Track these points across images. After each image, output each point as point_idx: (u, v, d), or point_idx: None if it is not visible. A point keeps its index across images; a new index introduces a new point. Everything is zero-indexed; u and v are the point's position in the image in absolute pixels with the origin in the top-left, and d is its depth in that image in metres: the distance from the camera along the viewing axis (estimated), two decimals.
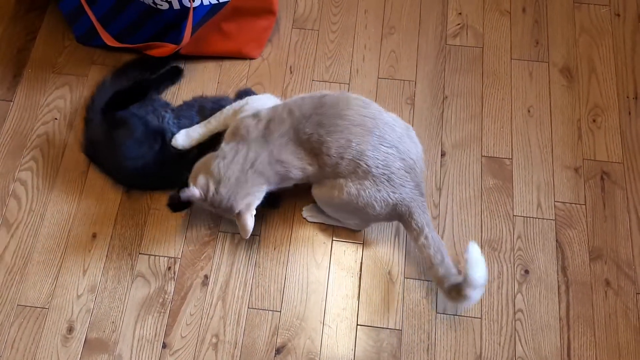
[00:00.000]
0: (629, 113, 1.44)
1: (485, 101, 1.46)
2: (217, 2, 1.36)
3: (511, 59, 1.51)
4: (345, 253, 1.29)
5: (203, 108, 1.31)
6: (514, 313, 1.23)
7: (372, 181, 1.10)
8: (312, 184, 1.18)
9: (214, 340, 1.21)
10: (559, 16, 1.56)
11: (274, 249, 1.29)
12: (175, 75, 1.45)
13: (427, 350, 1.20)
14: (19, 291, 1.25)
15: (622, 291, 1.25)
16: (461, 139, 1.41)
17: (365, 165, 1.08)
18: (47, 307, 1.24)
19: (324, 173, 1.12)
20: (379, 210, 1.12)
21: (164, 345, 1.21)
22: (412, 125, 1.42)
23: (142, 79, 1.39)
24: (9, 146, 1.39)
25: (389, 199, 1.11)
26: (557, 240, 1.30)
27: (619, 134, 1.42)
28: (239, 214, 1.12)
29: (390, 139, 1.10)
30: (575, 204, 1.34)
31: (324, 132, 1.09)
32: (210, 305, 1.24)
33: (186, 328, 1.22)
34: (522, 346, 1.21)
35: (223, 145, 1.14)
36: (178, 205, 1.24)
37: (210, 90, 1.46)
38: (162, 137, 1.27)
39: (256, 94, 1.37)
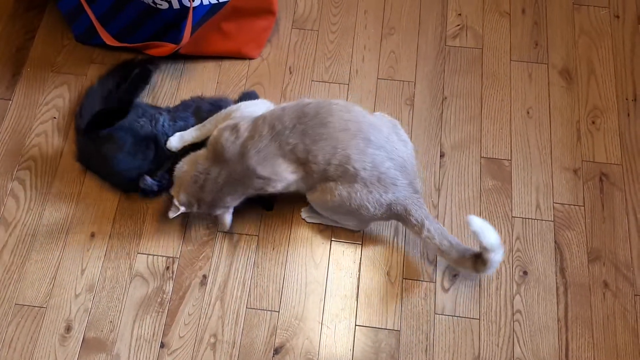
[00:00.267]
0: (628, 115, 1.44)
1: (485, 102, 1.46)
2: (216, 1, 1.36)
3: (510, 60, 1.51)
4: (344, 253, 1.29)
5: (199, 109, 1.30)
6: (513, 314, 1.23)
7: (362, 183, 1.11)
8: (303, 192, 1.19)
9: (212, 340, 1.21)
10: (558, 18, 1.56)
11: (273, 249, 1.29)
12: (145, 77, 1.37)
13: (426, 350, 1.20)
14: (17, 290, 1.24)
15: (621, 293, 1.25)
16: (460, 140, 1.41)
17: (352, 169, 1.10)
18: (45, 306, 1.23)
19: (313, 179, 1.14)
20: (374, 211, 1.13)
21: (162, 345, 1.20)
22: (412, 126, 1.42)
23: (118, 97, 1.34)
24: (8, 145, 1.39)
25: (382, 200, 1.12)
26: (555, 242, 1.30)
27: (617, 135, 1.42)
28: (217, 215, 1.21)
29: (375, 140, 1.11)
30: (574, 205, 1.34)
31: (309, 141, 1.10)
32: (209, 305, 1.24)
33: (184, 328, 1.22)
34: (520, 347, 1.21)
35: (201, 162, 1.16)
36: (149, 193, 1.24)
37: (209, 90, 1.46)
38: (156, 142, 1.26)
39: (258, 97, 1.36)
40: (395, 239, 1.30)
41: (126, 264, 1.27)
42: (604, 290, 1.26)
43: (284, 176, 1.13)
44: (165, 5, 1.35)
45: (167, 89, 1.46)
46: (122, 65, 1.43)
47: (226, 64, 1.50)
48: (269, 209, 1.31)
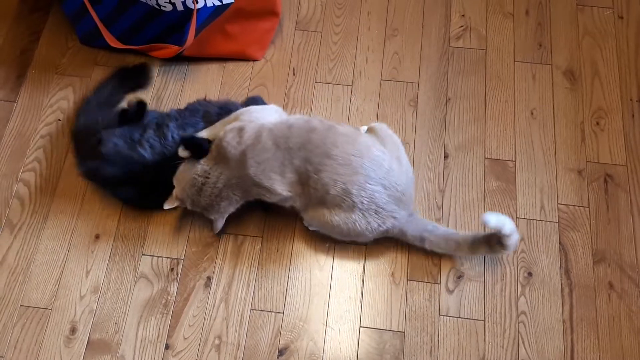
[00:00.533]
0: (633, 116, 1.44)
1: (489, 103, 1.46)
2: (220, 3, 1.36)
3: (514, 61, 1.51)
4: (348, 255, 1.29)
5: (208, 113, 1.28)
6: (517, 315, 1.23)
7: (360, 214, 1.15)
8: (298, 209, 1.21)
9: (216, 341, 1.21)
10: (562, 19, 1.56)
11: (277, 250, 1.29)
12: (140, 114, 1.28)
13: (430, 352, 1.20)
14: (22, 292, 1.25)
15: (626, 294, 1.25)
16: (464, 141, 1.41)
17: (351, 201, 1.13)
18: (50, 308, 1.24)
19: (310, 201, 1.16)
20: (371, 235, 1.20)
21: (167, 347, 1.21)
22: (415, 127, 1.42)
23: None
24: (13, 147, 1.39)
25: (379, 228, 1.18)
26: (560, 243, 1.30)
27: (622, 136, 1.41)
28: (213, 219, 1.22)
29: (375, 176, 1.13)
30: (579, 206, 1.34)
31: (311, 169, 1.12)
32: (213, 306, 1.24)
33: (189, 329, 1.22)
34: (525, 349, 1.21)
35: (203, 162, 1.17)
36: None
37: (213, 91, 1.46)
38: (156, 168, 1.22)
39: (264, 102, 1.36)
40: (399, 241, 1.29)
41: (131, 265, 1.27)
42: (609, 291, 1.26)
43: (278, 192, 1.15)
44: (169, 7, 1.35)
45: (171, 90, 1.46)
46: (118, 72, 1.42)
47: (230, 65, 1.50)
48: (267, 209, 1.31)
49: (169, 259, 1.28)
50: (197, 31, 1.37)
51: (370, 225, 1.16)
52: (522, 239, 1.30)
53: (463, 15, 1.57)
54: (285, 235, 1.30)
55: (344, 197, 1.13)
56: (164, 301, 1.24)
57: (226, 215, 1.22)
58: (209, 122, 1.26)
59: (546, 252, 1.29)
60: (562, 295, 1.25)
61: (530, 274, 1.27)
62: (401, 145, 1.25)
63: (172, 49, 1.41)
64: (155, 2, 1.34)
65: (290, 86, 1.48)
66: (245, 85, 1.47)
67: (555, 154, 1.39)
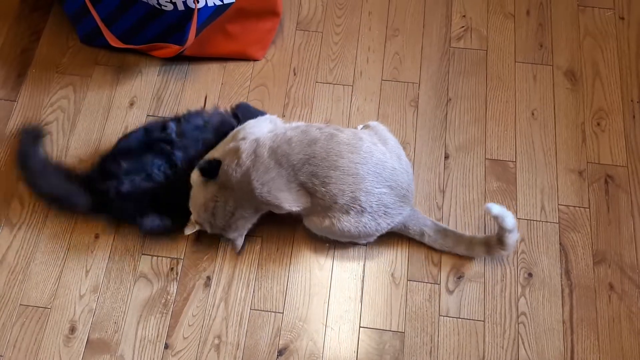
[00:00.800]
0: (633, 117, 1.44)
1: (489, 104, 1.45)
2: (221, 3, 1.36)
3: (515, 61, 1.51)
4: (348, 255, 1.29)
5: (209, 124, 1.27)
6: (517, 316, 1.23)
7: (370, 217, 1.16)
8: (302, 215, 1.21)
9: (216, 341, 1.21)
10: (563, 19, 1.56)
11: (277, 250, 1.29)
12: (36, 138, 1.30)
13: (430, 352, 1.20)
14: (22, 291, 1.25)
15: (626, 295, 1.25)
16: (465, 142, 1.41)
17: (359, 207, 1.14)
18: (49, 307, 1.23)
19: (317, 209, 1.16)
20: (379, 234, 1.21)
21: (166, 346, 1.20)
22: (416, 128, 1.42)
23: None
24: (13, 146, 1.39)
25: (388, 227, 1.20)
26: (560, 244, 1.30)
27: (623, 137, 1.41)
28: (230, 239, 1.23)
29: (382, 179, 1.14)
30: (579, 207, 1.34)
31: (318, 183, 1.12)
32: (213, 306, 1.24)
33: (188, 329, 1.22)
34: (525, 349, 1.20)
35: (210, 187, 1.15)
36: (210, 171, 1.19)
37: (214, 91, 1.46)
38: (169, 191, 1.22)
39: (251, 108, 1.35)
40: (400, 241, 1.29)
41: (130, 265, 1.27)
42: (609, 292, 1.25)
43: (287, 208, 1.15)
44: (170, 7, 1.35)
45: (172, 90, 1.46)
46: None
47: (230, 65, 1.50)
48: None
49: (168, 259, 1.28)
50: (198, 31, 1.37)
51: (380, 225, 1.18)
52: (522, 240, 1.30)
53: (464, 16, 1.57)
54: (285, 235, 1.30)
55: (353, 204, 1.13)
56: (163, 301, 1.24)
57: (244, 233, 1.22)
58: (214, 132, 1.25)
59: (546, 253, 1.29)
60: (562, 296, 1.25)
61: (530, 274, 1.27)
62: (399, 144, 1.25)
63: (172, 49, 1.41)
64: (156, 2, 1.34)
65: (291, 86, 1.48)
66: (246, 85, 1.47)
67: (555, 154, 1.39)
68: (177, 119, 1.28)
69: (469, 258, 1.27)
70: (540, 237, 1.30)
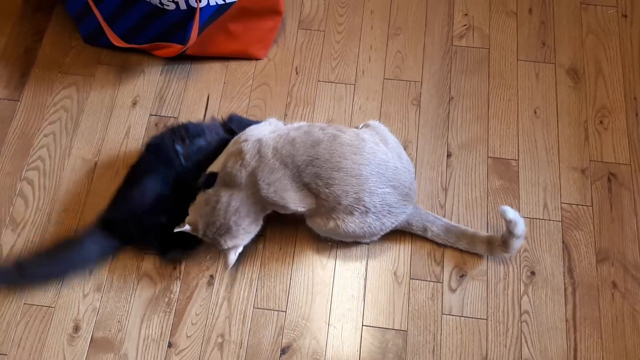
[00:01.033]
0: (636, 114, 1.43)
1: (492, 102, 1.45)
2: (223, 2, 1.37)
3: (517, 60, 1.50)
4: (351, 254, 1.29)
5: (215, 133, 1.27)
6: (520, 315, 1.23)
7: (374, 217, 1.16)
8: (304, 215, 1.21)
9: (219, 340, 1.21)
10: (565, 17, 1.56)
11: (279, 249, 1.29)
12: None
13: (433, 351, 1.20)
14: (26, 290, 1.25)
15: (629, 293, 1.25)
16: (467, 140, 1.41)
17: (363, 207, 1.14)
18: (53, 306, 1.24)
19: (320, 210, 1.16)
20: (383, 233, 1.22)
21: (170, 345, 1.21)
22: (418, 126, 1.42)
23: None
24: (16, 145, 1.40)
25: (393, 225, 1.21)
26: (563, 242, 1.30)
27: (626, 135, 1.41)
28: (223, 251, 1.18)
29: (385, 179, 1.15)
30: (582, 205, 1.33)
31: (321, 184, 1.12)
32: (216, 305, 1.24)
33: (192, 328, 1.22)
34: (528, 348, 1.20)
35: (214, 189, 1.15)
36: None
37: (216, 90, 1.46)
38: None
39: (243, 118, 1.35)
40: (402, 239, 1.29)
41: (134, 264, 1.28)
42: (612, 290, 1.25)
43: (292, 209, 1.15)
44: (172, 6, 1.35)
45: (174, 89, 1.47)
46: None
47: (233, 64, 1.50)
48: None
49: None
50: (200, 30, 1.37)
51: (384, 225, 1.18)
52: (525, 238, 1.30)
53: (466, 14, 1.56)
54: (287, 233, 1.31)
55: (357, 205, 1.14)
56: (166, 300, 1.24)
57: (241, 246, 1.18)
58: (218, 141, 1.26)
59: (549, 251, 1.29)
60: (565, 295, 1.25)
61: (533, 273, 1.27)
62: (401, 145, 1.26)
63: (175, 48, 1.41)
64: (159, 1, 1.34)
65: (293, 85, 1.48)
66: (248, 84, 1.47)
67: (558, 152, 1.39)
68: (181, 138, 1.25)
69: (472, 256, 1.27)
70: (543, 235, 1.30)
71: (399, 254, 1.29)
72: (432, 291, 1.25)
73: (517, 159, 1.39)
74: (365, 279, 1.27)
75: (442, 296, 1.25)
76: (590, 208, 1.33)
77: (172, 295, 1.25)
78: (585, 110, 1.44)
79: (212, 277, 1.27)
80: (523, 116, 1.43)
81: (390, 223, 1.19)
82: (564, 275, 1.27)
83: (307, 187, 1.13)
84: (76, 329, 1.22)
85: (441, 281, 1.26)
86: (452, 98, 1.46)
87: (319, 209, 1.16)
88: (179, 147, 1.23)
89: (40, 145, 1.40)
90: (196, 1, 1.32)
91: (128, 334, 1.22)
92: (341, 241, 1.27)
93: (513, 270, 1.27)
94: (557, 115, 1.43)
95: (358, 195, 1.13)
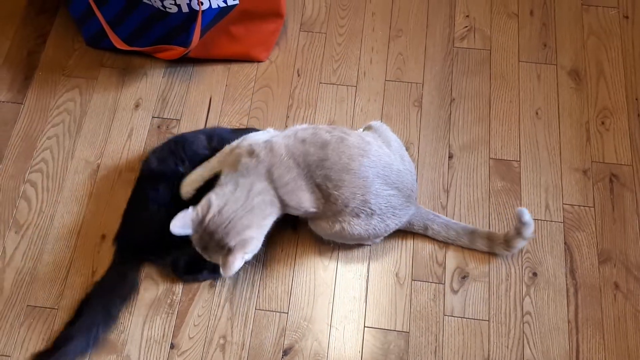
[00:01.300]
0: (638, 115, 1.43)
1: (493, 103, 1.46)
2: (225, 5, 1.37)
3: (519, 61, 1.51)
4: (352, 255, 1.29)
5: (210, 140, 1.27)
6: (522, 316, 1.23)
7: (379, 219, 1.17)
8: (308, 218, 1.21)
9: (221, 341, 1.22)
10: (567, 19, 1.56)
11: (281, 250, 1.30)
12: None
13: (435, 352, 1.20)
14: (29, 292, 1.26)
15: (632, 294, 1.25)
16: (469, 142, 1.41)
17: (369, 210, 1.14)
18: (56, 307, 1.24)
19: (326, 213, 1.16)
20: (385, 234, 1.22)
21: (172, 346, 1.21)
22: (420, 128, 1.42)
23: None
24: (20, 148, 1.40)
25: (396, 226, 1.21)
26: (565, 243, 1.30)
27: (627, 136, 1.41)
28: (229, 251, 1.05)
29: (390, 182, 1.15)
30: (584, 206, 1.33)
31: (331, 186, 1.12)
32: (218, 306, 1.24)
33: (194, 329, 1.23)
34: (530, 349, 1.20)
35: (222, 177, 1.13)
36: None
37: (218, 93, 1.47)
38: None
39: (221, 132, 1.33)
40: (404, 240, 1.30)
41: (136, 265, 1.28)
42: (614, 291, 1.25)
43: (305, 209, 1.14)
44: (174, 9, 1.36)
45: (177, 92, 1.47)
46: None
47: (235, 67, 1.51)
48: (294, 228, 1.31)
49: None
50: (202, 33, 1.38)
51: (388, 226, 1.19)
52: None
53: (467, 16, 1.57)
54: (289, 235, 1.31)
55: (363, 207, 1.14)
56: (169, 301, 1.25)
57: (249, 252, 1.08)
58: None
59: (551, 252, 1.29)
60: (568, 296, 1.25)
61: (535, 274, 1.27)
62: (402, 144, 1.27)
63: (177, 51, 1.42)
64: (161, 4, 1.35)
65: (295, 87, 1.48)
66: (250, 87, 1.48)
67: (560, 153, 1.39)
68: (182, 160, 1.25)
69: (474, 258, 1.27)
70: (545, 236, 1.30)
71: (401, 255, 1.29)
72: (434, 292, 1.25)
73: (518, 160, 1.39)
74: (367, 281, 1.27)
75: (444, 297, 1.25)
76: (592, 209, 1.33)
77: (174, 297, 1.25)
78: (587, 111, 1.44)
79: (214, 278, 1.27)
80: (524, 117, 1.44)
81: (394, 224, 1.20)
82: (566, 277, 1.27)
83: (319, 189, 1.13)
84: None
85: (443, 282, 1.26)
86: (454, 99, 1.46)
87: (324, 212, 1.16)
88: (180, 168, 1.24)
89: (44, 148, 1.40)
90: (198, 4, 1.33)
91: (130, 335, 1.22)
92: (343, 243, 1.28)
93: (515, 272, 1.27)
94: (559, 117, 1.44)
95: (364, 198, 1.13)
